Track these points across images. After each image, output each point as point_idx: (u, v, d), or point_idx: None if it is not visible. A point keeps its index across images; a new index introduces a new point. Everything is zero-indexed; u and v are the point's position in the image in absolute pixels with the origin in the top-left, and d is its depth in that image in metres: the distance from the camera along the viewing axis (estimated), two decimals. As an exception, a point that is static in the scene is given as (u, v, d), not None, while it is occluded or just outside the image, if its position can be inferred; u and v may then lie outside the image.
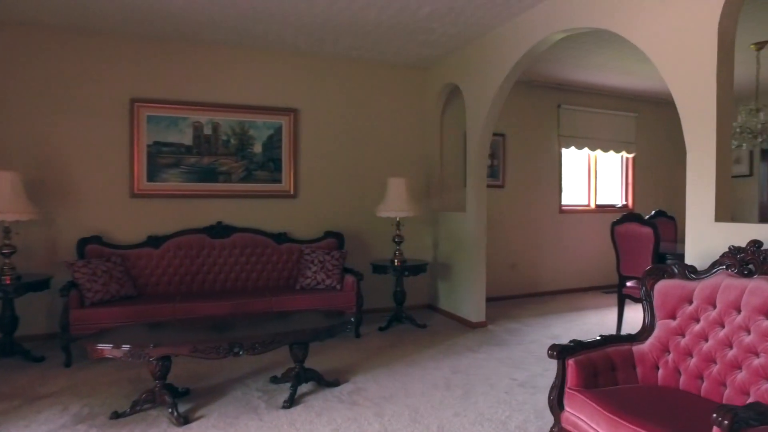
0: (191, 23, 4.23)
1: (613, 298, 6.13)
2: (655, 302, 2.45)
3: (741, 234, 2.51)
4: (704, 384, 2.17)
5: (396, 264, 4.87)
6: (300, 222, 5.12)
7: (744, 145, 4.99)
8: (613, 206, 6.96)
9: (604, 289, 6.75)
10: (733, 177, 7.16)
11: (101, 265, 4.04)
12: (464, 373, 3.55)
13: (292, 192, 5.08)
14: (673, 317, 2.37)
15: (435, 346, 4.20)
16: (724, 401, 2.05)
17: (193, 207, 4.73)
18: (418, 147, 5.68)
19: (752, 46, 4.85)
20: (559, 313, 5.47)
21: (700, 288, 2.31)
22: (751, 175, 6.90)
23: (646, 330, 2.46)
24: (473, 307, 4.88)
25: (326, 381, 3.30)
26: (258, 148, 4.95)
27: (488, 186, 6.02)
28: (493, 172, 6.08)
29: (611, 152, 6.71)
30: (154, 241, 4.50)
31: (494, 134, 6.07)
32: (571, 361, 2.23)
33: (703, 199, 2.70)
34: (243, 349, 2.80)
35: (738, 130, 5.16)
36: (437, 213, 5.56)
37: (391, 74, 5.53)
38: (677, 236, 6.28)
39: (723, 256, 2.30)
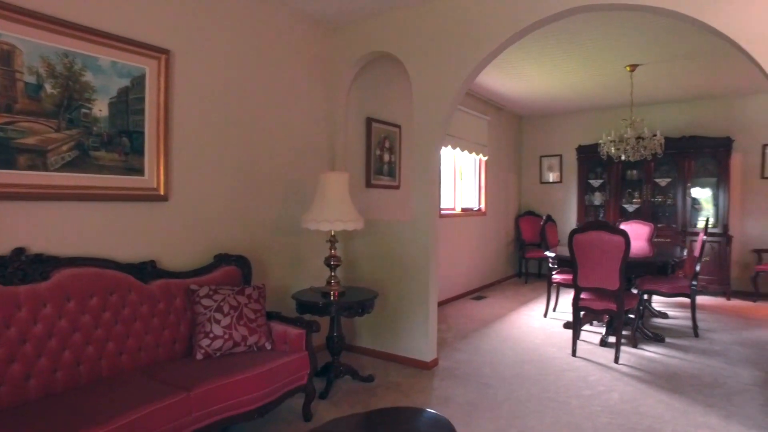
0: None
1: (497, 304, 5.94)
2: None
3: None
4: None
5: (333, 298, 3.39)
6: (176, 241, 3.04)
7: (621, 155, 5.46)
8: (471, 209, 6.87)
9: (471, 295, 6.58)
10: (548, 183, 8.04)
11: None
12: (527, 453, 2.54)
13: (161, 191, 2.95)
14: None
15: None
16: None
17: (-44, 221, 2.17)
18: (324, 134, 4.22)
19: (627, 68, 5.31)
20: (474, 329, 4.91)
21: None
22: (561, 182, 7.87)
23: None
24: (425, 344, 3.82)
25: None
26: (101, 109, 2.66)
27: (385, 186, 5.06)
28: (391, 170, 5.09)
29: (473, 154, 6.57)
30: None
31: (392, 124, 5.12)
32: None
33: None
34: None
35: (616, 140, 5.62)
36: (351, 221, 4.22)
37: (299, 29, 3.90)
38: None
39: None
